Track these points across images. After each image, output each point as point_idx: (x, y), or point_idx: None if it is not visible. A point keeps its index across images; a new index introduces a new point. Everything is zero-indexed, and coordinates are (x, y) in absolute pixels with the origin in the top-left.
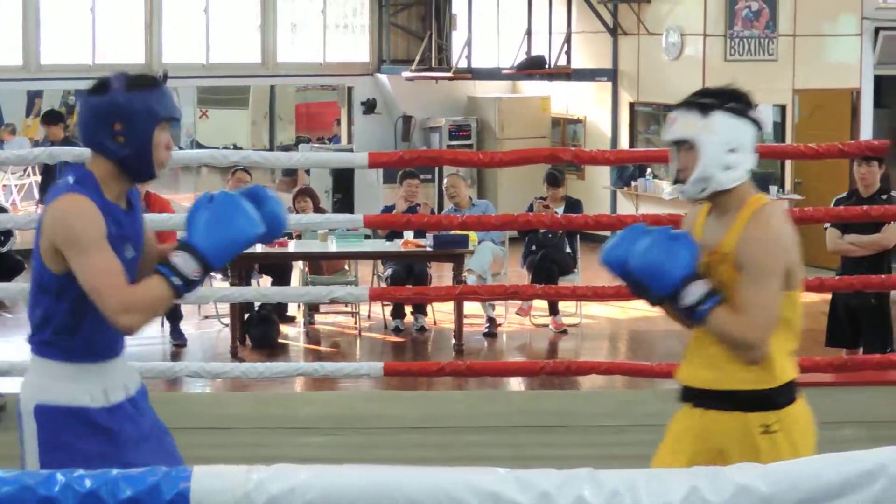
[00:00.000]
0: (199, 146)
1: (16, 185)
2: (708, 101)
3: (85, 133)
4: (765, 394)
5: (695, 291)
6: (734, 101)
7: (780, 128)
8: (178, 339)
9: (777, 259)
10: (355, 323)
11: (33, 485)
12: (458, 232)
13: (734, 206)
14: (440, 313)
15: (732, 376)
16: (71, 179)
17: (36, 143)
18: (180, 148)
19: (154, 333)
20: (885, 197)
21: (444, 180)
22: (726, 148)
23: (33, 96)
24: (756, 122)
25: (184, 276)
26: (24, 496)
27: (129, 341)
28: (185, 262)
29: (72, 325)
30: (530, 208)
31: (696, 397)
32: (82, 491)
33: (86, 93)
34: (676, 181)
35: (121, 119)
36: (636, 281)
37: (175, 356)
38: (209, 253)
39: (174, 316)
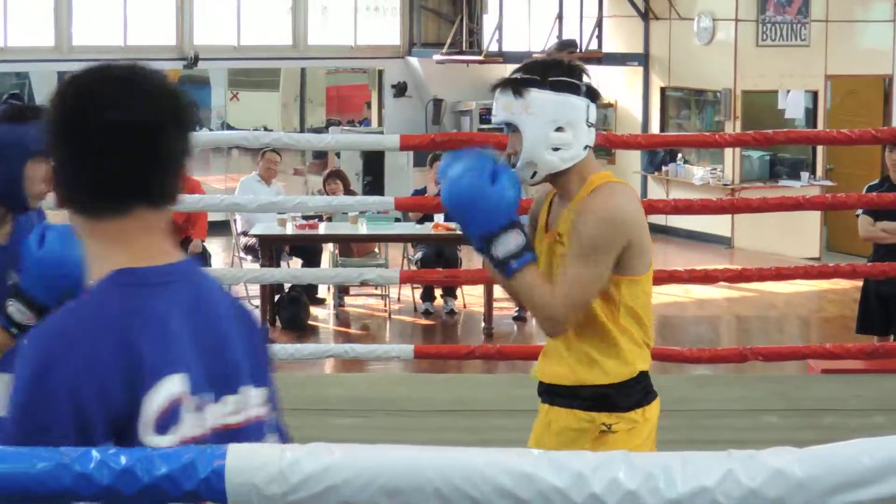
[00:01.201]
0: (230, 128)
1: None
2: (525, 77)
3: None
4: (609, 391)
5: (507, 243)
6: (558, 74)
7: (811, 114)
8: None
9: (609, 236)
10: (385, 305)
11: (68, 462)
12: None
13: (575, 187)
14: (470, 296)
15: (578, 371)
16: None
17: None
18: (210, 130)
19: None
20: None
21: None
22: (551, 127)
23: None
24: (591, 93)
25: (21, 325)
26: (59, 473)
27: None
28: (19, 312)
29: None
30: None
31: (546, 392)
32: (117, 468)
33: None
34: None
35: None
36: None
37: None
38: (47, 300)
39: None
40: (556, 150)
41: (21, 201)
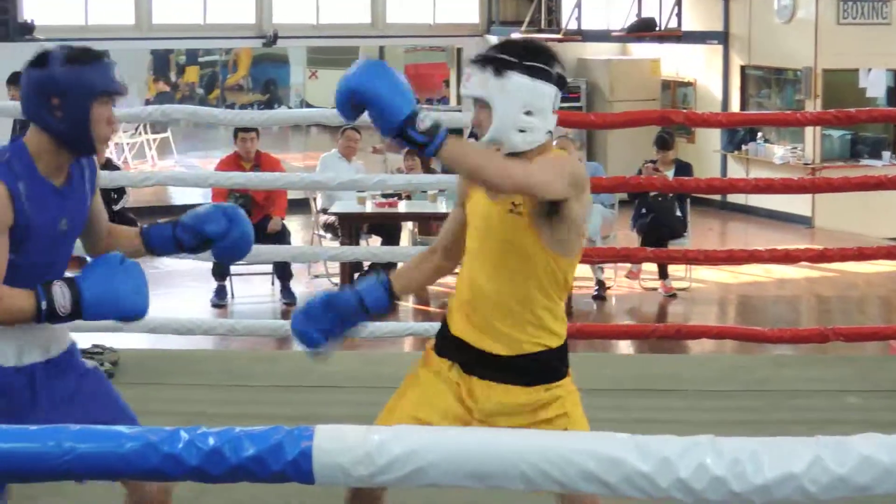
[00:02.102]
0: (308, 106)
1: (127, 144)
2: (504, 58)
3: (25, 105)
4: (549, 355)
5: (425, 119)
6: (535, 59)
7: (893, 92)
8: (289, 298)
9: (565, 165)
10: None
11: (157, 441)
12: None
13: (530, 158)
14: None
15: (517, 342)
16: (7, 156)
17: (147, 102)
18: (289, 107)
19: (265, 292)
20: None
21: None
22: (521, 110)
23: (162, 55)
24: (560, 81)
25: (53, 308)
26: (147, 453)
27: (241, 299)
28: (62, 297)
29: None
30: (639, 172)
31: (477, 363)
32: (205, 448)
33: (27, 65)
34: (471, 136)
35: (58, 93)
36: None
37: (285, 315)
38: (86, 305)
39: (284, 275)
40: (521, 131)
41: (88, 145)
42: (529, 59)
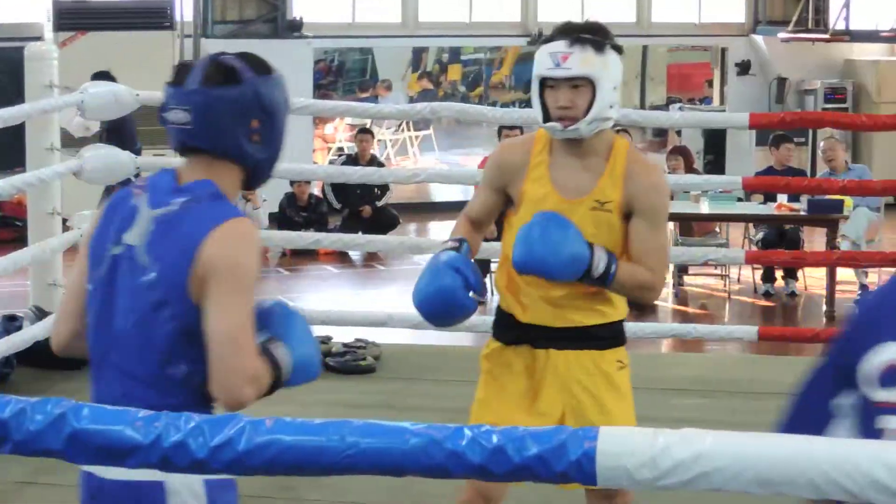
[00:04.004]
0: None
1: (390, 140)
2: (599, 37)
3: (212, 134)
4: (616, 329)
5: (600, 261)
6: (611, 37)
7: None
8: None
9: (668, 204)
10: (724, 285)
11: (441, 438)
12: (833, 196)
13: (602, 149)
14: (811, 279)
15: (583, 314)
16: (212, 196)
17: (411, 99)
18: None
19: None
20: None
21: (821, 143)
22: (613, 85)
23: (419, 52)
24: None
25: (280, 370)
26: (431, 449)
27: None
28: (284, 355)
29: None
30: None
31: (543, 337)
32: (489, 447)
33: (203, 84)
34: (557, 119)
35: (260, 113)
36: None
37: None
38: (294, 371)
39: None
40: (611, 107)
41: (270, 174)
42: (609, 36)
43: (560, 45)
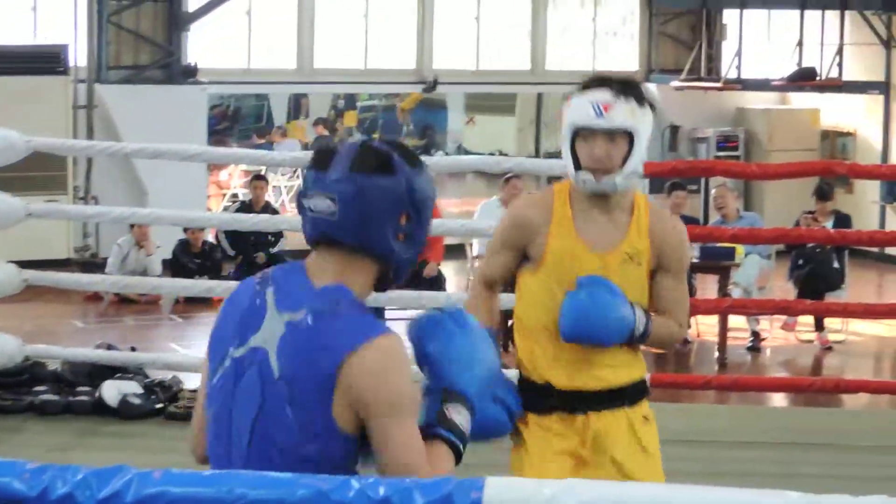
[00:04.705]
0: (466, 152)
1: (285, 187)
2: (637, 91)
3: (358, 227)
4: (642, 384)
5: (640, 320)
6: (648, 92)
7: None
8: None
9: (689, 254)
10: None
11: (328, 490)
12: (725, 244)
13: (625, 203)
14: (703, 325)
15: (616, 373)
16: (351, 305)
17: (305, 146)
18: (446, 153)
19: None
20: None
21: (713, 191)
22: (646, 139)
23: (299, 98)
24: None
25: (465, 439)
26: (319, 501)
27: None
28: (463, 419)
29: None
30: (797, 223)
31: (581, 400)
32: (375, 498)
33: (353, 170)
34: (588, 169)
35: (412, 209)
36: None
37: None
38: (475, 400)
39: None
40: (642, 161)
41: (406, 274)
42: (646, 91)
43: (603, 95)
